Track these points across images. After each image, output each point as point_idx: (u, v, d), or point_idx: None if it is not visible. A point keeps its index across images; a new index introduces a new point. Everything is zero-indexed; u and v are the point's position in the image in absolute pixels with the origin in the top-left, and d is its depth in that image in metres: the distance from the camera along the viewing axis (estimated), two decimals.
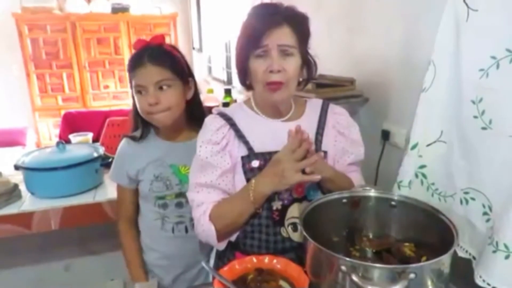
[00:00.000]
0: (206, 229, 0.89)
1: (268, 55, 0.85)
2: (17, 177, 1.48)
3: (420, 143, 0.93)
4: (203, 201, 0.90)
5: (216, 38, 3.91)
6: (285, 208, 0.91)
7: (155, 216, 1.15)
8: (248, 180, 0.89)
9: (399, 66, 1.24)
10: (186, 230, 1.16)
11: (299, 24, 0.88)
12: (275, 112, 0.96)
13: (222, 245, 0.94)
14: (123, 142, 1.16)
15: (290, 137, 0.85)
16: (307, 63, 0.93)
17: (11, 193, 1.41)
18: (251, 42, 0.85)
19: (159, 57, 1.03)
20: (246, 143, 0.92)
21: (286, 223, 0.92)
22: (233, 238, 0.94)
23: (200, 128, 0.96)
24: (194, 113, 1.14)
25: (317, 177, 0.83)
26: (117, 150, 1.16)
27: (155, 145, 1.14)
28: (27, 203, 1.41)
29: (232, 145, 0.92)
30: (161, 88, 1.03)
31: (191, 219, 1.13)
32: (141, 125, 1.14)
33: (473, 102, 0.79)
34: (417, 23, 1.14)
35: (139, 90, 1.04)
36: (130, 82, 1.07)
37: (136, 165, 1.12)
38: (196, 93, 1.16)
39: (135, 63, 1.03)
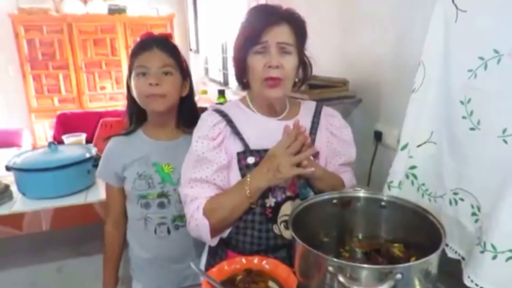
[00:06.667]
0: (199, 224, 0.88)
1: (267, 52, 0.86)
2: (9, 178, 1.47)
3: (411, 144, 0.93)
4: (197, 196, 0.89)
5: (213, 40, 3.91)
6: (278, 206, 0.92)
7: (139, 216, 1.15)
8: (243, 176, 0.89)
9: (391, 67, 1.25)
10: (168, 231, 1.14)
11: (298, 24, 0.90)
12: (271, 110, 0.97)
13: (214, 241, 0.93)
14: (111, 141, 1.17)
15: (286, 133, 0.86)
16: (303, 64, 0.94)
17: (2, 194, 1.40)
18: (251, 39, 0.87)
19: (167, 45, 1.07)
20: (242, 139, 0.92)
21: (279, 220, 0.92)
22: (225, 234, 0.94)
23: (188, 129, 0.96)
24: (184, 113, 1.15)
25: (311, 169, 0.84)
26: (105, 148, 1.17)
27: (141, 143, 1.14)
28: (18, 203, 1.40)
29: (228, 141, 0.92)
30: (164, 73, 1.05)
31: (173, 220, 1.13)
32: (135, 118, 1.16)
33: (462, 103, 0.79)
34: (409, 25, 1.14)
35: (143, 71, 1.05)
36: (130, 67, 1.07)
37: (122, 161, 1.12)
38: (190, 95, 1.17)
39: (143, 47, 1.06)
